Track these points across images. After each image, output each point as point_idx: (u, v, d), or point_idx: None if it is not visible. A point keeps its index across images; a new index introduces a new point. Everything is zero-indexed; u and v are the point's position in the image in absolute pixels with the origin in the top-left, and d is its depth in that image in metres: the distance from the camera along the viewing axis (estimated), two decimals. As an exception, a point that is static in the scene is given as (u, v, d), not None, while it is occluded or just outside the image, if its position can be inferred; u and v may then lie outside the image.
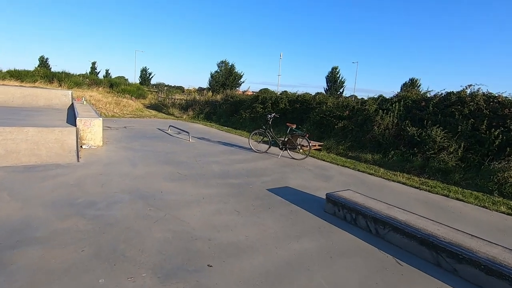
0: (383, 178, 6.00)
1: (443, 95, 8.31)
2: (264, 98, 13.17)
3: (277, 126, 10.11)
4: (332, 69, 34.16)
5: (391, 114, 8.44)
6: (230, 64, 27.51)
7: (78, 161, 5.32)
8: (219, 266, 2.40)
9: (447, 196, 5.08)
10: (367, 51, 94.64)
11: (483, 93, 7.49)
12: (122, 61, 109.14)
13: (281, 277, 2.32)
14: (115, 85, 23.21)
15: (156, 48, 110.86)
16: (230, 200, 3.95)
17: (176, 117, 16.10)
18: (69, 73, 22.16)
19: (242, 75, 27.84)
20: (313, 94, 13.90)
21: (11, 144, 5.17)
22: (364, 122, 8.98)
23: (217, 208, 3.64)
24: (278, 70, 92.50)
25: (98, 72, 44.15)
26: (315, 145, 8.49)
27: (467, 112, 7.23)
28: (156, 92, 26.06)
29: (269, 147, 7.54)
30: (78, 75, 23.30)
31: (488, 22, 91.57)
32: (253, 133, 7.97)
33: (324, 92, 32.49)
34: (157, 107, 19.69)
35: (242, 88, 27.67)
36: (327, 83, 34.50)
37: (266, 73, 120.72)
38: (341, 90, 33.43)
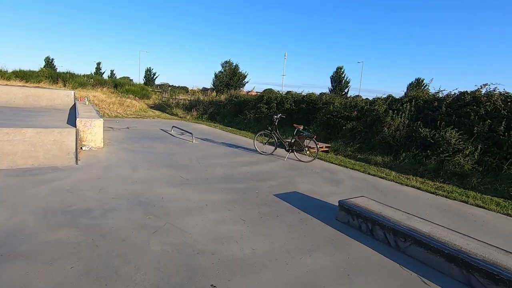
0: (396, 182, 5.69)
1: (456, 95, 7.95)
2: (269, 98, 12.90)
3: (282, 127, 9.82)
4: (337, 69, 33.73)
5: (402, 115, 8.10)
6: (234, 64, 27.29)
7: (76, 163, 5.10)
8: (224, 287, 2.13)
9: (466, 202, 4.75)
10: (372, 51, 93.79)
11: (500, 92, 7.13)
12: (127, 61, 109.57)
13: (294, 300, 2.05)
14: (119, 85, 23.17)
15: (161, 49, 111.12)
16: (235, 207, 3.69)
17: (180, 117, 15.90)
18: (74, 74, 22.17)
19: (246, 75, 27.61)
20: (318, 94, 13.58)
21: (8, 146, 4.97)
22: (373, 123, 8.65)
23: (221, 216, 3.38)
24: (283, 70, 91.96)
25: (103, 73, 44.33)
26: (322, 147, 8.19)
27: (483, 112, 6.87)
28: (160, 92, 25.95)
29: (275, 148, 7.27)
30: (83, 75, 23.30)
31: (493, 22, 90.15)
32: (258, 134, 7.70)
33: (328, 92, 32.08)
34: (161, 107, 19.53)
35: (246, 88, 27.45)
36: (331, 83, 34.07)
37: (270, 73, 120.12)
38: (346, 90, 32.99)
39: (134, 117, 13.62)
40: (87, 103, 10.54)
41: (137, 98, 20.56)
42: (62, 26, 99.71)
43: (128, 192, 3.87)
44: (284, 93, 14.18)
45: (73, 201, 3.40)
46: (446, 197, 4.97)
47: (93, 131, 6.36)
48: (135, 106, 16.78)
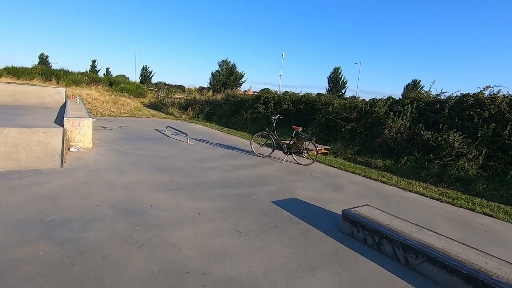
0: (398, 187, 5.46)
1: (458, 97, 7.74)
2: (266, 98, 12.62)
3: (279, 128, 9.55)
4: (334, 69, 33.47)
5: (403, 117, 7.89)
6: (232, 63, 27.00)
7: (61, 166, 4.78)
8: (216, 315, 1.86)
9: (473, 210, 4.53)
10: (369, 52, 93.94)
11: (504, 95, 6.93)
12: (124, 60, 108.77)
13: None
14: (114, 83, 22.65)
15: (157, 47, 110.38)
16: (230, 216, 3.41)
17: (175, 116, 15.55)
18: (68, 71, 21.60)
19: (243, 75, 27.35)
20: (315, 94, 13.33)
21: (-13, 147, 4.64)
22: (374, 125, 8.43)
23: (214, 227, 3.10)
24: (280, 70, 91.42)
25: (98, 70, 43.48)
26: (321, 149, 7.94)
27: (487, 115, 6.66)
28: (156, 91, 25.50)
29: (273, 151, 7.00)
30: (77, 73, 22.75)
31: (492, 23, 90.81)
32: (255, 135, 7.43)
33: (326, 92, 31.86)
34: (156, 106, 19.15)
35: (243, 87, 27.14)
36: (329, 84, 33.82)
37: (267, 73, 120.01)
38: (343, 91, 32.81)
39: (128, 116, 13.26)
40: (78, 102, 10.17)
41: (132, 96, 20.13)
42: (58, 24, 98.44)
43: (114, 199, 3.57)
44: (281, 93, 13.93)
45: (52, 210, 3.09)
46: (451, 204, 4.74)
47: (81, 131, 6.03)
48: (129, 104, 16.41)
